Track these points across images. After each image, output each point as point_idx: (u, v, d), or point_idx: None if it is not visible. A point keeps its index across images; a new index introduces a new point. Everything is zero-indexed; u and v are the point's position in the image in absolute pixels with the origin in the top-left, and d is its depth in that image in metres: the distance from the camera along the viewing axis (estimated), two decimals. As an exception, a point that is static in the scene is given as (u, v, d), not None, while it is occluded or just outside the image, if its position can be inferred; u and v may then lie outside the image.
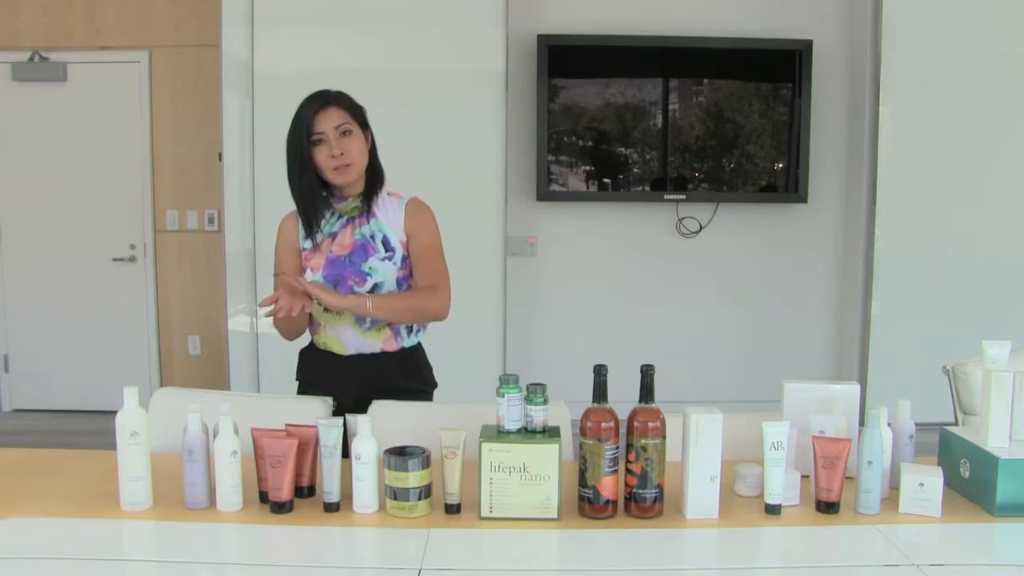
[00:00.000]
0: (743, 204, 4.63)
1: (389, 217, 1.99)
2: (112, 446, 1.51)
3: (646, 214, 4.64)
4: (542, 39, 4.41)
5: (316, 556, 1.39)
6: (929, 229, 4.38)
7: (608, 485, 1.47)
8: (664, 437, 1.47)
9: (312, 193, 1.94)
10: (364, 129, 1.97)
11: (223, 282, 4.29)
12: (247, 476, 1.52)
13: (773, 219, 4.70)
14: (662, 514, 1.49)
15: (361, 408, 1.70)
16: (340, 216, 1.99)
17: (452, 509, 1.48)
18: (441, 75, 4.16)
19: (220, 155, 4.22)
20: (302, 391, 2.06)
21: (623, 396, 1.61)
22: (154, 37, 4.60)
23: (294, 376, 2.11)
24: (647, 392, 1.48)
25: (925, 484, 1.49)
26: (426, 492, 1.48)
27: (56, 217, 4.69)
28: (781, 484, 1.49)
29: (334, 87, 1.98)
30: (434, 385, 2.10)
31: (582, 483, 1.48)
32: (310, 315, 1.98)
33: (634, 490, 1.48)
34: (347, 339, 1.98)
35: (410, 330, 2.03)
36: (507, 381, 1.50)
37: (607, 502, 1.48)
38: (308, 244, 2.00)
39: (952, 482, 1.59)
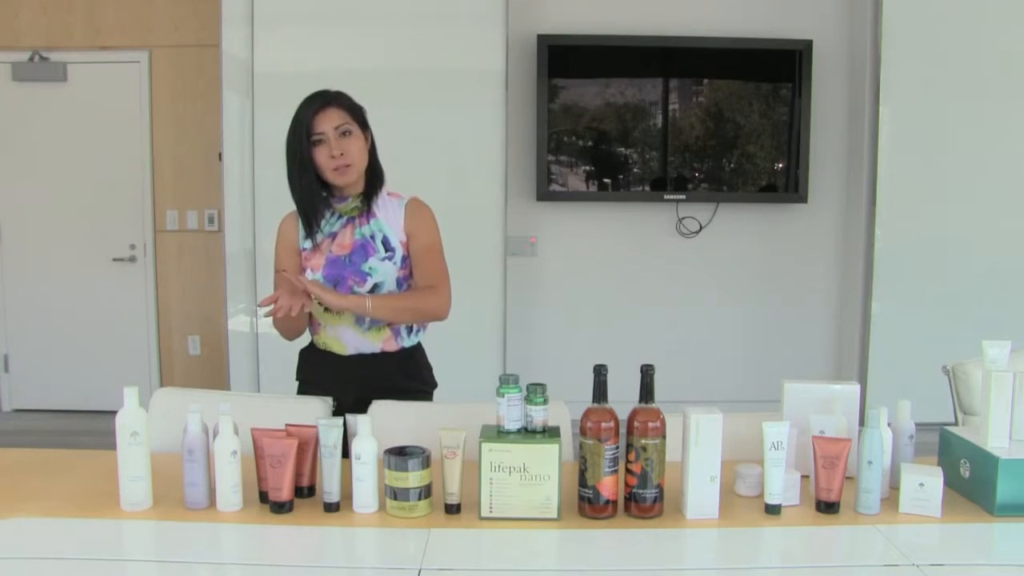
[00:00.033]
0: (743, 204, 4.63)
1: (389, 217, 1.99)
2: (112, 446, 1.51)
3: (646, 214, 4.64)
4: (542, 39, 4.41)
5: (316, 556, 1.39)
6: (929, 229, 4.38)
7: (608, 485, 1.47)
8: (664, 437, 1.47)
9: (312, 193, 1.94)
10: (364, 129, 1.97)
11: (223, 282, 4.29)
12: (247, 476, 1.52)
13: (773, 219, 4.70)
14: (662, 514, 1.49)
15: (361, 408, 1.70)
16: (340, 216, 1.99)
17: (452, 509, 1.48)
18: (441, 75, 4.16)
19: (220, 155, 4.22)
20: (302, 391, 2.06)
21: (623, 396, 1.61)
22: (154, 37, 4.60)
23: (294, 376, 2.11)
24: (647, 392, 1.48)
25: (925, 484, 1.49)
26: (426, 492, 1.48)
27: (56, 217, 4.70)
28: (781, 484, 1.49)
29: (334, 87, 1.98)
30: (434, 385, 2.10)
31: (582, 483, 1.48)
32: (310, 315, 1.98)
33: (634, 490, 1.48)
34: (347, 339, 1.98)
35: (410, 330, 2.03)
36: (507, 381, 1.50)
37: (607, 502, 1.48)
38: (308, 244, 2.00)
39: (952, 482, 1.59)
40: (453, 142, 4.20)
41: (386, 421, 1.69)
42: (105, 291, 4.73)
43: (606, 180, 4.60)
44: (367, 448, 1.47)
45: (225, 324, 4.32)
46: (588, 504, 1.48)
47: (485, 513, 1.47)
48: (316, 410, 1.83)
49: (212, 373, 4.72)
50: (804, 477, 1.58)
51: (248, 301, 4.22)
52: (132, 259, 4.74)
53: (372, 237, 1.97)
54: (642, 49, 4.49)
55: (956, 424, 2.13)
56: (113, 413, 1.49)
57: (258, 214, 4.12)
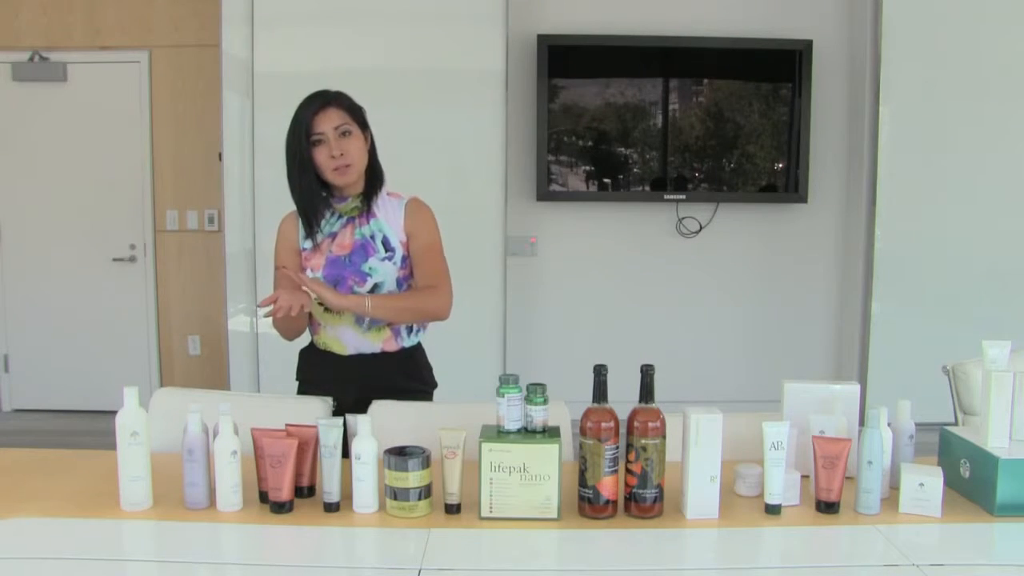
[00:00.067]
0: (743, 204, 4.63)
1: (389, 217, 1.99)
2: (112, 446, 1.51)
3: (646, 214, 4.64)
4: (542, 39, 4.41)
5: (316, 556, 1.39)
6: (929, 229, 4.38)
7: (608, 485, 1.47)
8: (664, 437, 1.47)
9: (312, 193, 1.94)
10: (364, 129, 1.97)
11: (223, 282, 4.29)
12: (247, 476, 1.52)
13: (773, 219, 4.70)
14: (662, 514, 1.49)
15: (361, 408, 1.70)
16: (340, 216, 1.99)
17: (452, 509, 1.48)
18: (441, 75, 4.16)
19: (220, 155, 4.22)
20: (302, 391, 2.06)
21: (623, 396, 1.61)
22: (154, 37, 4.60)
23: (294, 376, 2.11)
24: (647, 392, 1.48)
25: (925, 484, 1.49)
26: (426, 492, 1.48)
27: (56, 217, 4.70)
28: (781, 484, 1.49)
29: (334, 87, 1.98)
30: (434, 385, 2.10)
31: (582, 483, 1.48)
32: (310, 315, 1.98)
33: (634, 490, 1.48)
34: (347, 339, 1.98)
35: (410, 330, 2.03)
36: (507, 381, 1.50)
37: (607, 502, 1.48)
38: (308, 244, 2.00)
39: (952, 482, 1.59)
40: (453, 142, 4.20)
41: (386, 421, 1.69)
42: (105, 291, 4.73)
43: (606, 180, 4.60)
44: (367, 448, 1.47)
45: (225, 324, 4.32)
46: (588, 504, 1.48)
47: (485, 513, 1.47)
48: (316, 410, 1.83)
49: (212, 373, 4.72)
50: (804, 477, 1.58)
51: (248, 301, 4.22)
52: (132, 259, 4.74)
53: (372, 237, 1.97)
54: (642, 49, 4.49)
55: (956, 424, 2.13)
56: (113, 413, 1.50)
57: (258, 214, 4.12)
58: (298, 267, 2.00)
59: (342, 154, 1.90)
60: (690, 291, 4.73)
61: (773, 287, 4.75)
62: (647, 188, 4.59)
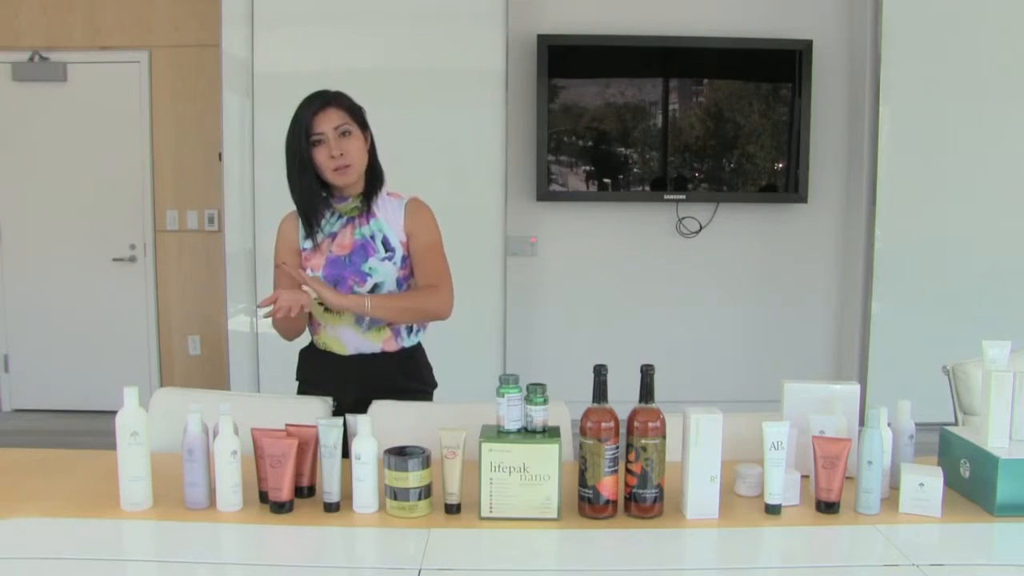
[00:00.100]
0: (743, 204, 4.63)
1: (389, 217, 1.99)
2: (112, 446, 1.51)
3: (646, 214, 4.64)
4: (542, 39, 4.41)
5: (316, 556, 1.39)
6: (929, 229, 4.39)
7: (608, 485, 1.47)
8: (664, 437, 1.47)
9: (312, 193, 1.94)
10: (363, 129, 1.97)
11: (223, 282, 4.29)
12: (247, 476, 1.52)
13: (773, 219, 4.70)
14: (662, 514, 1.49)
15: (361, 408, 1.70)
16: (340, 216, 1.99)
17: (452, 509, 1.48)
18: (441, 75, 4.16)
19: (220, 155, 4.22)
20: (302, 391, 2.06)
21: (623, 396, 1.61)
22: (154, 37, 4.60)
23: (294, 376, 2.11)
24: (647, 392, 1.48)
25: (925, 484, 1.49)
26: (426, 492, 1.48)
27: (56, 217, 4.69)
28: (781, 484, 1.49)
29: (334, 87, 1.98)
30: (434, 385, 2.10)
31: (582, 483, 1.48)
32: (310, 315, 1.98)
33: (634, 490, 1.48)
34: (347, 339, 1.98)
35: (410, 330, 2.03)
36: (507, 381, 1.50)
37: (607, 502, 1.48)
38: (308, 244, 2.00)
39: (952, 482, 1.59)
40: (453, 142, 4.20)
41: (386, 421, 1.69)
42: (105, 291, 4.73)
43: (606, 180, 4.60)
44: (367, 448, 1.47)
45: (225, 324, 4.32)
46: (588, 504, 1.48)
47: (485, 513, 1.47)
48: (316, 410, 1.83)
49: (212, 373, 4.72)
50: (804, 477, 1.58)
51: (248, 301, 4.23)
52: (132, 259, 4.74)
53: (372, 237, 1.97)
54: (642, 49, 4.49)
55: (956, 424, 2.13)
56: (113, 413, 1.49)
57: (258, 214, 4.12)
58: (298, 267, 1.99)
59: (342, 154, 1.90)
60: (690, 291, 4.73)
61: (773, 287, 4.75)
62: (647, 188, 4.59)
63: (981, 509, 1.52)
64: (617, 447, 1.47)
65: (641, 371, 1.48)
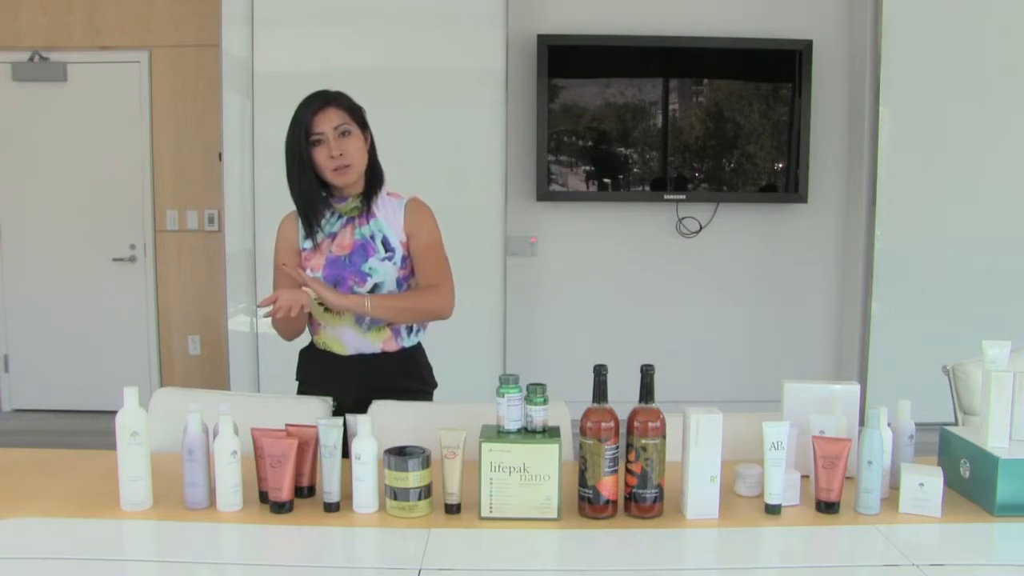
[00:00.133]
0: (743, 204, 4.63)
1: (389, 217, 1.99)
2: (112, 446, 1.51)
3: (646, 214, 4.64)
4: (542, 39, 4.41)
5: (316, 556, 1.39)
6: (929, 229, 4.39)
7: (608, 485, 1.47)
8: (664, 437, 1.47)
9: (312, 193, 1.94)
10: (363, 129, 1.97)
11: (223, 282, 4.29)
12: (247, 476, 1.52)
13: (773, 219, 4.70)
14: (662, 514, 1.49)
15: (361, 408, 1.70)
16: (340, 216, 1.99)
17: (452, 509, 1.48)
18: (441, 75, 4.16)
19: (220, 155, 4.22)
20: (302, 391, 2.06)
21: (623, 396, 1.61)
22: (154, 37, 4.60)
23: (294, 376, 2.11)
24: (647, 392, 1.48)
25: (925, 484, 1.49)
26: (426, 492, 1.48)
27: (56, 217, 4.70)
28: (781, 484, 1.49)
29: (334, 87, 1.98)
30: (434, 385, 2.10)
31: (582, 483, 1.48)
32: (310, 315, 1.98)
33: (634, 490, 1.48)
34: (347, 339, 1.98)
35: (410, 330, 2.03)
36: (507, 381, 1.50)
37: (607, 502, 1.48)
38: (308, 244, 2.00)
39: (952, 482, 1.59)
40: (453, 142, 4.20)
41: (386, 421, 1.69)
42: (105, 291, 4.73)
43: (606, 180, 4.60)
44: (367, 448, 1.47)
45: (225, 324, 4.32)
46: (588, 504, 1.48)
47: (485, 513, 1.47)
48: (316, 410, 1.83)
49: (212, 373, 4.72)
50: (804, 477, 1.58)
51: (248, 301, 4.23)
52: (132, 259, 4.74)
53: (372, 237, 1.97)
54: (642, 49, 4.49)
55: (956, 424, 2.13)
56: (113, 413, 1.49)
57: (258, 214, 4.12)
58: (298, 267, 1.99)
59: (342, 154, 1.90)
60: (690, 291, 4.73)
61: (773, 287, 4.75)
62: (647, 188, 4.59)
63: (981, 509, 1.52)
64: (617, 447, 1.47)
65: (641, 371, 1.48)
